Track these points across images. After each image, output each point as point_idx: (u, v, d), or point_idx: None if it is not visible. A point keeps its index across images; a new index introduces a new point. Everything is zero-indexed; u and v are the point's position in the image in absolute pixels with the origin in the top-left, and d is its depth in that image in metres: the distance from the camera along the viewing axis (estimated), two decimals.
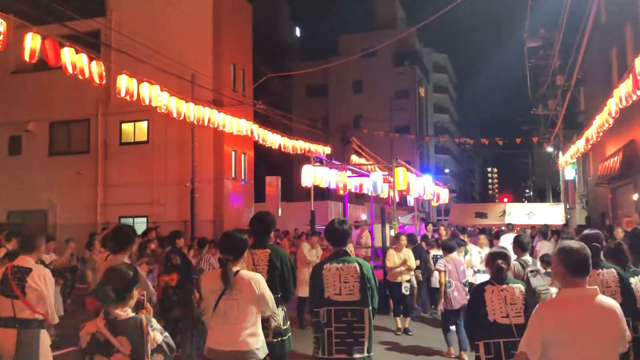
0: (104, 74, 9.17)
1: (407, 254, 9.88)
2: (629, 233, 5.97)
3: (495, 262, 4.46)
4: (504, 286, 4.34)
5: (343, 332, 4.23)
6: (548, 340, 2.79)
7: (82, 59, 8.75)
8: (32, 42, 8.01)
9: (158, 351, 3.14)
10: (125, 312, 3.13)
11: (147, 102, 10.45)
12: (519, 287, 4.39)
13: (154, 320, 3.25)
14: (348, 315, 4.25)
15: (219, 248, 4.16)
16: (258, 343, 3.80)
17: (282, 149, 16.03)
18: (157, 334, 3.15)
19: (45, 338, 4.92)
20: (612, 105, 10.52)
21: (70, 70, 8.53)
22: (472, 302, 4.63)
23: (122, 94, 9.95)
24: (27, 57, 8.03)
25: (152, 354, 3.11)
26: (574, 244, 2.97)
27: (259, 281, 3.85)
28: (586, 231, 4.91)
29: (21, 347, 4.74)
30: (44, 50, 8.14)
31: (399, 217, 15.55)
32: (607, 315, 2.82)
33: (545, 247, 12.78)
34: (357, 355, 4.22)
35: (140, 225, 19.59)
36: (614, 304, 2.89)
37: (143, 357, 3.07)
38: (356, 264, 4.39)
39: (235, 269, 3.84)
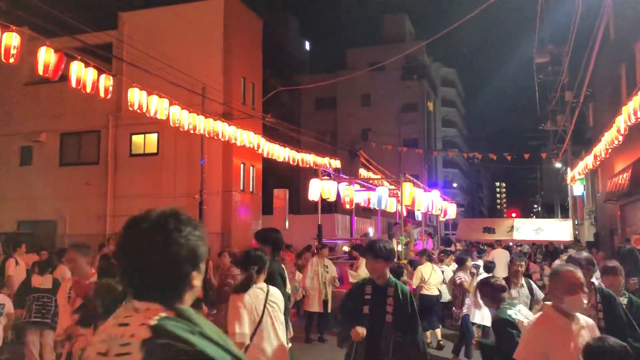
0: (110, 88, 9.30)
1: (430, 268, 10.02)
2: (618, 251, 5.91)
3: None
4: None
5: None
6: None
7: (88, 73, 8.88)
8: (45, 55, 8.15)
9: None
10: None
11: (157, 115, 10.57)
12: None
13: None
14: None
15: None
16: None
17: (290, 162, 16.10)
18: None
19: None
20: (621, 122, 10.52)
21: (74, 84, 8.66)
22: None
23: (135, 106, 10.07)
24: (40, 71, 8.16)
25: None
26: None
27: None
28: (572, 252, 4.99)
29: None
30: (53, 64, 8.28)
31: (413, 231, 15.52)
32: None
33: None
34: None
35: None
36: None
37: None
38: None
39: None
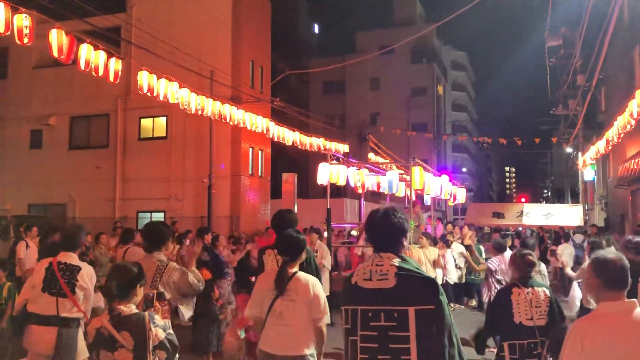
0: (119, 72, 9.27)
1: (434, 252, 9.96)
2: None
3: (523, 264, 4.48)
4: (530, 289, 4.35)
5: None
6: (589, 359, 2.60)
7: (99, 56, 8.84)
8: (57, 38, 8.10)
9: (160, 347, 3.18)
10: (129, 308, 3.20)
11: (166, 98, 10.55)
12: (544, 290, 4.39)
13: (157, 317, 3.30)
14: None
15: (277, 249, 4.09)
16: (311, 348, 3.80)
17: (299, 146, 16.05)
18: (160, 331, 3.20)
19: (81, 336, 4.77)
20: (634, 106, 10.40)
21: (83, 67, 8.62)
22: (496, 303, 4.59)
23: (144, 90, 10.05)
24: (55, 53, 8.12)
25: (154, 350, 3.16)
26: (610, 254, 2.79)
27: (315, 284, 3.84)
28: (638, 238, 4.70)
29: (61, 347, 4.58)
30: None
31: (423, 216, 15.49)
32: None
33: (567, 249, 12.69)
34: None
35: (157, 220, 19.80)
36: None
37: (145, 353, 3.11)
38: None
39: (292, 270, 3.85)
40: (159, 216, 20.06)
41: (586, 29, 16.79)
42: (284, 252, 3.94)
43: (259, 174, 22.14)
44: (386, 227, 2.77)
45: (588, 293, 2.85)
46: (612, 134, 13.34)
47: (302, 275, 3.87)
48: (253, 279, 5.47)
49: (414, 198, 12.87)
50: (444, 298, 2.63)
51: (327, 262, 9.69)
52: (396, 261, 2.69)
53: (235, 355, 5.26)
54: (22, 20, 7.54)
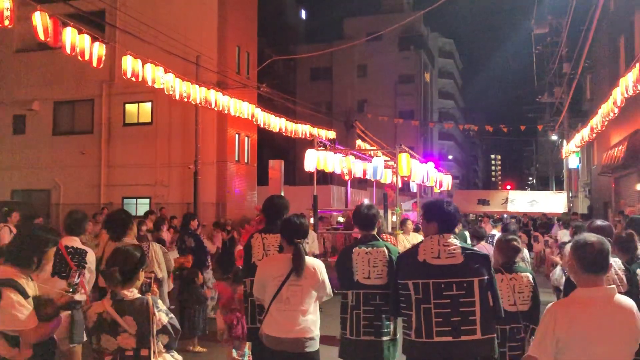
0: (103, 57, 9.16)
1: (417, 239, 9.96)
2: (629, 220, 5.74)
3: (508, 250, 4.47)
4: (513, 275, 4.34)
5: (371, 315, 4.22)
6: (561, 343, 2.60)
7: (84, 40, 8.72)
8: (42, 20, 7.98)
9: (163, 332, 3.19)
10: (132, 293, 3.18)
11: (151, 84, 10.45)
12: (527, 275, 4.40)
13: (159, 302, 3.29)
14: (377, 298, 4.23)
15: (282, 233, 4.03)
16: (317, 330, 3.86)
17: (286, 133, 16.01)
18: (163, 315, 3.20)
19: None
20: (618, 94, 10.49)
21: (69, 51, 8.50)
22: None
23: (128, 75, 9.94)
24: (41, 36, 8.00)
25: (157, 334, 3.17)
26: (591, 237, 2.74)
27: (320, 267, 3.89)
28: (598, 222, 4.69)
29: (75, 329, 4.60)
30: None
31: (401, 203, 15.53)
32: (624, 317, 2.62)
33: (566, 235, 12.81)
34: (384, 338, 4.25)
35: (143, 206, 19.68)
36: (631, 303, 2.66)
37: (148, 337, 3.12)
38: (384, 249, 4.37)
39: None
40: (144, 202, 19.95)
41: (572, 17, 16.89)
42: (294, 236, 3.89)
43: (246, 160, 22.06)
44: (449, 214, 3.48)
45: (569, 275, 2.88)
46: (596, 121, 13.47)
47: (307, 259, 3.87)
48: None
49: (400, 185, 12.93)
50: (493, 270, 3.43)
51: (315, 248, 9.73)
52: (456, 241, 3.41)
53: (219, 335, 5.30)
54: (4, 3, 7.40)
